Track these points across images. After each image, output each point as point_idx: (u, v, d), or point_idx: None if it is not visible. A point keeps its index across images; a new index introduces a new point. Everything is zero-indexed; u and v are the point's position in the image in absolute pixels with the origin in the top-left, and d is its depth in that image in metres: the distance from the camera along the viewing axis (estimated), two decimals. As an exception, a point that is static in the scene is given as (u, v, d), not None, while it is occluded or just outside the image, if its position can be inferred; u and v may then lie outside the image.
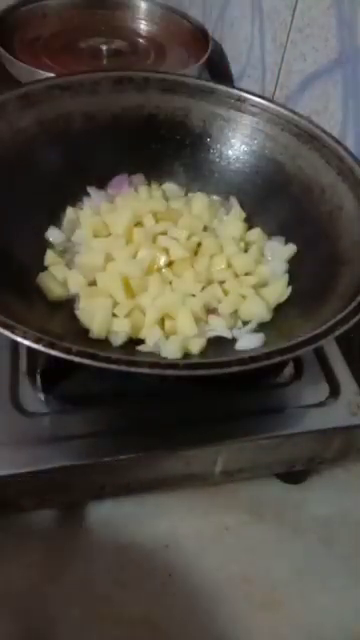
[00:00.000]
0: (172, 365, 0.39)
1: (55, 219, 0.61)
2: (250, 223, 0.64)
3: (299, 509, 0.60)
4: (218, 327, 0.54)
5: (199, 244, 0.59)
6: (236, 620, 0.53)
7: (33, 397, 0.52)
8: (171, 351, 0.50)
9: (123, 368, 0.38)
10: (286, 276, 0.58)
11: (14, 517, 0.55)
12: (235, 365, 0.39)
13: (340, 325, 0.43)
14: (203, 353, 0.52)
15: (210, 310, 0.55)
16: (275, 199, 0.62)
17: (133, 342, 0.52)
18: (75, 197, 0.63)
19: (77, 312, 0.54)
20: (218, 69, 1.00)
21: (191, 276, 0.56)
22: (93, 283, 0.56)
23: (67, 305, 0.55)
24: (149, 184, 0.66)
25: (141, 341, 0.52)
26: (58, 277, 0.56)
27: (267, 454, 0.55)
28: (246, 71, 0.92)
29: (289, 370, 0.57)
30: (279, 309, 0.56)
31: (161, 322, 0.53)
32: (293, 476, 0.61)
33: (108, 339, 0.52)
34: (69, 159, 0.61)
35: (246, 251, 0.60)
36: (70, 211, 0.62)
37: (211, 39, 0.96)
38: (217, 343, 0.53)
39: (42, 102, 0.60)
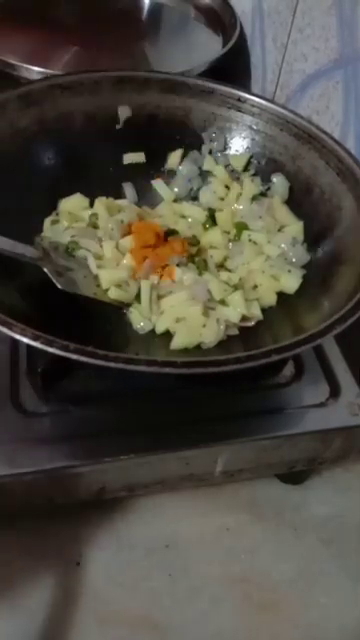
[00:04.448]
0: (170, 363, 0.39)
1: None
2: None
3: (299, 509, 0.60)
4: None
5: None
6: (236, 620, 0.53)
7: (33, 397, 0.52)
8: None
9: (121, 366, 0.38)
10: None
11: (14, 517, 0.55)
12: (232, 363, 0.39)
13: (338, 324, 0.43)
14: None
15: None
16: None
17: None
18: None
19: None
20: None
21: None
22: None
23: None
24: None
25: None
26: None
27: (267, 454, 0.55)
28: (247, 71, 0.92)
29: (289, 370, 0.57)
30: (278, 309, 0.56)
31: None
32: (293, 476, 0.61)
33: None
34: (69, 158, 0.62)
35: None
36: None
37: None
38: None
39: (43, 102, 0.60)
